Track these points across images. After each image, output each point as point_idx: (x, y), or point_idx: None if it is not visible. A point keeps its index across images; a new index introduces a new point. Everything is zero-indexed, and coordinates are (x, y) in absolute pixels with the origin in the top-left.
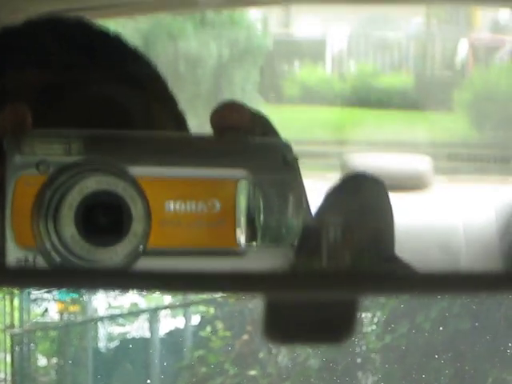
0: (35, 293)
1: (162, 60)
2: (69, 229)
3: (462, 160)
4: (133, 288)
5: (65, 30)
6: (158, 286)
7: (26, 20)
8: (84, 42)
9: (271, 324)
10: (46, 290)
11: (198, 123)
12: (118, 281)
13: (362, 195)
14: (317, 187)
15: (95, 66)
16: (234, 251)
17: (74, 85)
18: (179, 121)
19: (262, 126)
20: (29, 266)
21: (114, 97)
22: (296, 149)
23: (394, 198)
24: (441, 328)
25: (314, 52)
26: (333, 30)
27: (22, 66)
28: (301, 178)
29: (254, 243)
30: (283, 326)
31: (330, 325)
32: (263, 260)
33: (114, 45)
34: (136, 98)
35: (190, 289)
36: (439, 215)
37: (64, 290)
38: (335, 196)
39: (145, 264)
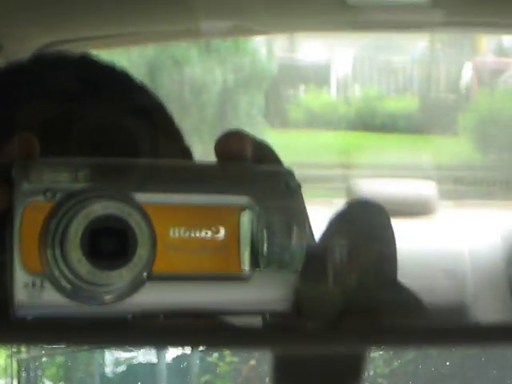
0: None
1: (168, 86)
2: (75, 253)
3: (467, 184)
4: (135, 345)
5: (70, 65)
6: (159, 342)
7: (33, 56)
8: (89, 76)
9: (280, 375)
10: (50, 346)
11: (204, 149)
12: (122, 336)
13: (365, 221)
14: (323, 213)
15: (101, 100)
16: (238, 277)
17: (81, 116)
18: (186, 155)
19: (265, 153)
20: (29, 321)
21: (121, 127)
22: (301, 173)
23: (400, 223)
24: (448, 353)
25: (318, 76)
26: (337, 54)
27: (30, 100)
28: (304, 204)
29: (258, 269)
30: (291, 376)
31: (338, 375)
32: (267, 286)
33: (120, 79)
34: (143, 131)
35: (193, 344)
36: (445, 241)
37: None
38: (338, 222)
39: (150, 289)
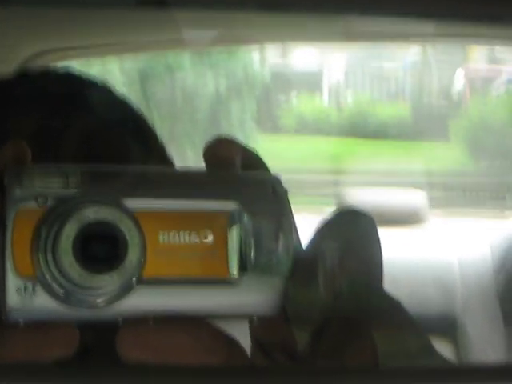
0: None
1: (160, 92)
2: (67, 257)
3: (458, 191)
4: None
5: (53, 79)
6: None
7: (17, 71)
8: (72, 89)
9: None
10: None
11: (195, 155)
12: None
13: (351, 229)
14: (312, 221)
15: (83, 112)
16: (226, 281)
17: (65, 129)
18: (170, 165)
19: (253, 160)
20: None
21: (104, 138)
22: (292, 179)
23: (389, 233)
24: None
25: (310, 83)
26: (329, 61)
27: (15, 115)
28: (290, 209)
29: (246, 274)
30: None
31: None
32: (255, 290)
33: (102, 92)
34: (125, 142)
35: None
36: (434, 250)
37: None
38: (326, 229)
39: (140, 293)
